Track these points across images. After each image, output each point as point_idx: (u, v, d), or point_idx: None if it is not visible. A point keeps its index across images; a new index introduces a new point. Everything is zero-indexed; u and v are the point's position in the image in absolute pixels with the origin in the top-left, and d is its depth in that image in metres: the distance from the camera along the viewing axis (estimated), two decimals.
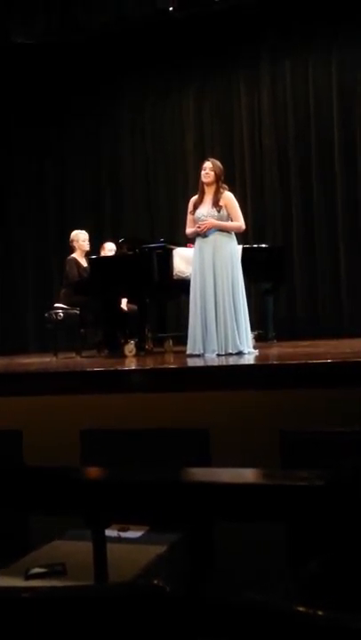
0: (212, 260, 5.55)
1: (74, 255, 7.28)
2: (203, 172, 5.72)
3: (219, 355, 5.40)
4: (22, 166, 10.12)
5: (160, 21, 8.59)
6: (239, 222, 5.68)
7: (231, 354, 5.40)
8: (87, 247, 7.32)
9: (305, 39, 8.79)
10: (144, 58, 9.30)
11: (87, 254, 7.27)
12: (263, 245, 8.08)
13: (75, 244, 7.33)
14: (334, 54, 8.68)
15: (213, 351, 5.42)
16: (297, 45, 8.85)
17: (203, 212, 5.64)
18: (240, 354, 5.41)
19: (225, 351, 5.42)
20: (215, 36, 8.98)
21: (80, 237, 7.33)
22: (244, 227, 5.77)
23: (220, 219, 5.62)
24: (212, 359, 5.29)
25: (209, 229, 5.58)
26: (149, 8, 7.94)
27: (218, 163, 5.79)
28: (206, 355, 5.41)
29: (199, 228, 5.59)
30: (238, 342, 5.45)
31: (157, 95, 9.65)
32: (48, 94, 9.80)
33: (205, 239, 5.61)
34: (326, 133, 8.71)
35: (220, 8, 8.47)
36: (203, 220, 5.60)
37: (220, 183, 5.70)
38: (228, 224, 5.63)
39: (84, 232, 7.41)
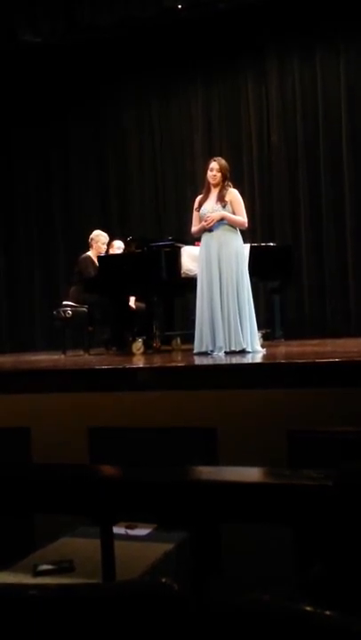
0: (217, 255, 5.55)
1: (89, 253, 7.31)
2: (210, 174, 5.71)
3: (225, 352, 5.40)
4: (29, 164, 10.15)
5: (167, 21, 8.58)
6: (243, 218, 5.68)
7: (234, 351, 5.39)
8: (104, 250, 7.38)
9: (312, 37, 8.76)
10: (151, 58, 9.28)
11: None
12: (271, 244, 8.06)
13: (93, 243, 7.38)
14: (342, 51, 8.65)
15: (221, 348, 5.40)
16: (305, 43, 8.82)
17: (207, 208, 5.65)
18: (243, 352, 5.40)
19: (229, 348, 5.41)
20: (222, 35, 8.96)
21: (100, 239, 7.40)
22: (247, 224, 5.76)
23: None
24: (219, 358, 5.28)
25: (215, 223, 5.58)
26: (156, 8, 7.93)
27: (223, 161, 5.79)
28: (214, 352, 5.41)
29: (205, 222, 5.60)
30: (242, 340, 5.44)
31: (165, 94, 9.64)
32: (54, 94, 9.81)
33: (211, 234, 5.61)
34: (335, 131, 8.68)
35: (226, 7, 8.46)
36: (208, 216, 5.61)
37: (225, 182, 5.72)
38: (233, 217, 5.63)
39: (105, 235, 7.48)
